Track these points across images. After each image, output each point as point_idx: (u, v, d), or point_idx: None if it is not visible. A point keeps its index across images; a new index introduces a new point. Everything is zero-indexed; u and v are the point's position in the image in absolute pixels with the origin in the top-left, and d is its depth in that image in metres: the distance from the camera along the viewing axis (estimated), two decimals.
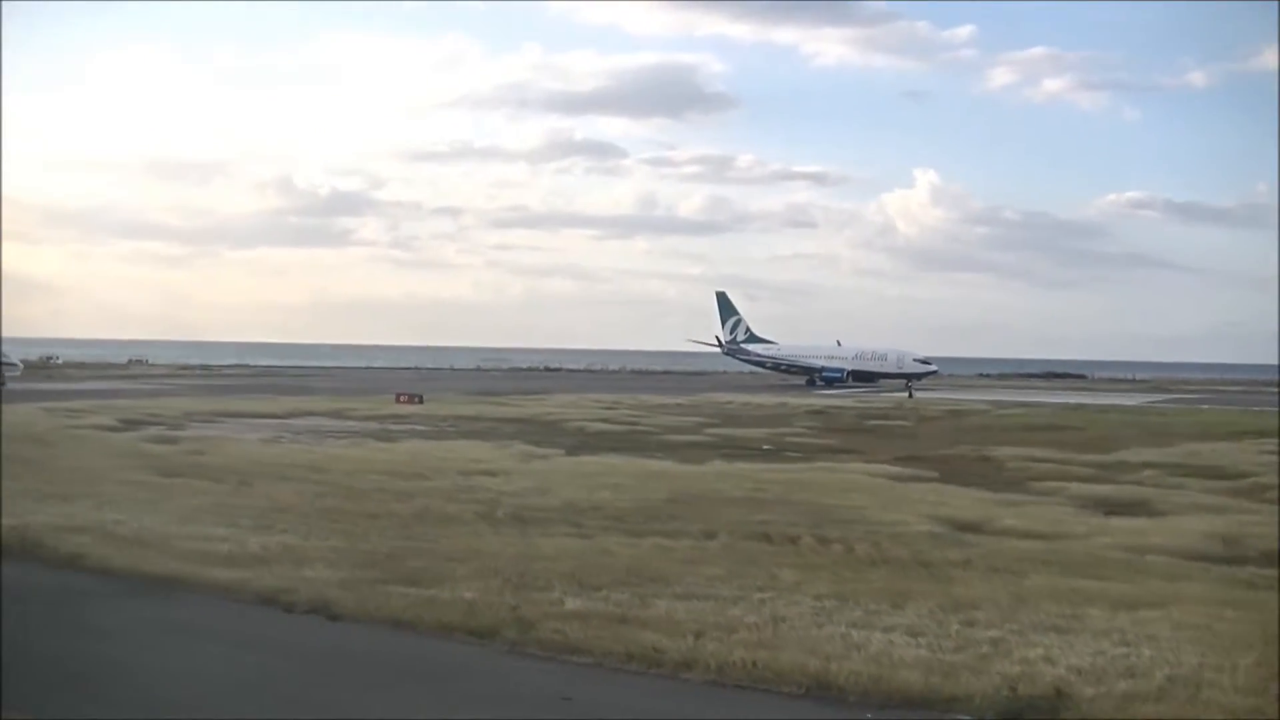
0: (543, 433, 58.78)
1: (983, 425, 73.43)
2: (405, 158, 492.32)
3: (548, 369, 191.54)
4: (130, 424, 58.07)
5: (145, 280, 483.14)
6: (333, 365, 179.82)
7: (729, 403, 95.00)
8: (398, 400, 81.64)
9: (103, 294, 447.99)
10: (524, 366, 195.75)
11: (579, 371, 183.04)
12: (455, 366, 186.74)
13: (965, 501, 35.21)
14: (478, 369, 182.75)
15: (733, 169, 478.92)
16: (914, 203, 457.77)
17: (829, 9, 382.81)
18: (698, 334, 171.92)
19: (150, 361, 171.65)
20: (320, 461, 42.09)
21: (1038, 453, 51.83)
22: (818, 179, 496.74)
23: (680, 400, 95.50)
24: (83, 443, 47.65)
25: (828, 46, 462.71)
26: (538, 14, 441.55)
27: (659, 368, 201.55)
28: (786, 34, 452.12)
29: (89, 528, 26.18)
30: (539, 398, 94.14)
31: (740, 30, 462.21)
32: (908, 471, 43.16)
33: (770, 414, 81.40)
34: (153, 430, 55.33)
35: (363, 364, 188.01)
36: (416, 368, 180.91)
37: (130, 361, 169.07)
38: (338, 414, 70.28)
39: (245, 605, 20.11)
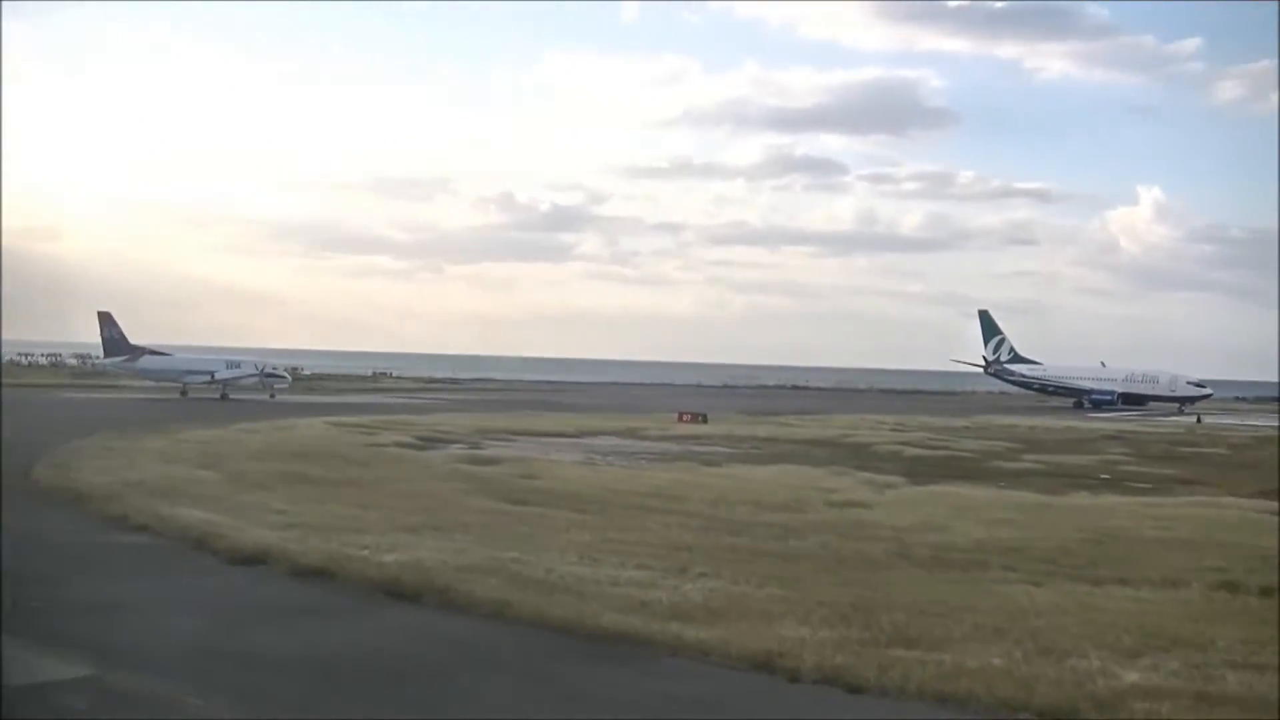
0: (859, 457, 55.70)
1: None
2: (626, 174, 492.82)
3: (795, 387, 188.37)
4: (428, 442, 56.53)
5: (369, 293, 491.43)
6: (577, 380, 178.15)
7: (1014, 426, 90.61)
8: (680, 419, 79.11)
9: (328, 306, 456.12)
10: (770, 384, 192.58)
11: (828, 390, 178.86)
12: (703, 383, 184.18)
13: None
14: (725, 386, 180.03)
15: (953, 185, 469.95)
16: (1138, 220, 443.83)
17: (1052, 23, 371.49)
18: (958, 353, 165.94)
19: (393, 374, 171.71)
20: (666, 488, 39.59)
21: None
22: (1039, 196, 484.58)
23: (963, 423, 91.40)
24: (398, 464, 45.90)
25: (1050, 61, 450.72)
26: (757, 30, 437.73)
27: (901, 386, 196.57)
28: (1008, 49, 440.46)
29: (488, 568, 23.65)
30: (819, 418, 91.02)
31: (961, 45, 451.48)
32: None
33: (1068, 438, 77.17)
34: (455, 449, 53.63)
35: (597, 379, 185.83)
36: (667, 384, 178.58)
37: (374, 374, 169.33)
38: (629, 433, 68.00)
39: (738, 673, 17.21)
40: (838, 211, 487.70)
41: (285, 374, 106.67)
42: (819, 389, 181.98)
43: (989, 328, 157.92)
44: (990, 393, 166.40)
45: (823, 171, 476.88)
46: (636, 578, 23.29)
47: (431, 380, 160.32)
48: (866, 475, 46.11)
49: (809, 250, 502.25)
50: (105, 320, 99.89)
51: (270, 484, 37.06)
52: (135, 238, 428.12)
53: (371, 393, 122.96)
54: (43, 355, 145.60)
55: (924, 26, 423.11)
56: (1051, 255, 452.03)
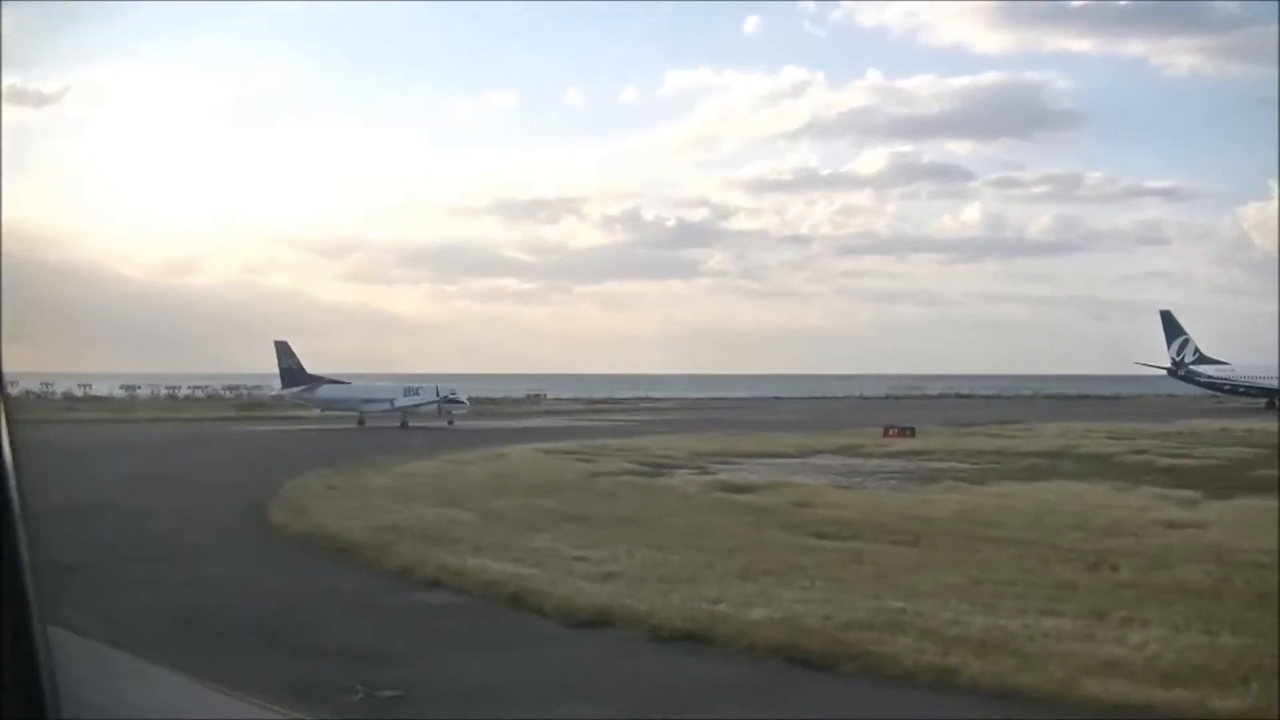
0: (1113, 468, 52.71)
1: None
2: (751, 188, 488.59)
3: (959, 395, 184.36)
4: (655, 468, 53.83)
5: (498, 315, 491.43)
6: (739, 397, 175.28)
7: (1228, 429, 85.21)
8: (886, 434, 75.84)
9: (458, 330, 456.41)
10: (934, 394, 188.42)
11: (994, 398, 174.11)
12: (864, 394, 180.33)
13: None
14: (888, 397, 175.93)
15: (1082, 187, 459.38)
16: (1271, 215, 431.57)
17: (1179, 18, 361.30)
18: (1145, 357, 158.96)
19: (547, 396, 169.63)
20: (965, 513, 36.56)
21: None
22: (1169, 194, 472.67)
23: (1173, 428, 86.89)
24: (650, 495, 43.43)
25: (1178, 57, 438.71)
26: (880, 39, 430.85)
27: (1058, 390, 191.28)
28: (1135, 46, 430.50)
29: (883, 623, 20.81)
30: (1022, 427, 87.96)
31: (1086, 45, 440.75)
32: None
33: None
34: (689, 475, 51.08)
35: (748, 395, 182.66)
36: (828, 397, 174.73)
37: (528, 396, 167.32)
38: (848, 451, 65.12)
39: None
40: (965, 218, 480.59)
41: (464, 400, 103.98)
42: (985, 396, 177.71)
43: (1172, 329, 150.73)
44: (1158, 395, 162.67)
45: (949, 178, 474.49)
46: (1059, 628, 20.35)
47: (593, 401, 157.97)
48: (1153, 490, 42.92)
49: (937, 258, 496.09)
50: (283, 350, 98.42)
51: (538, 524, 34.40)
52: (266, 268, 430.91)
53: (541, 416, 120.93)
54: (191, 387, 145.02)
55: (1048, 28, 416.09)
56: (1184, 254, 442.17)
